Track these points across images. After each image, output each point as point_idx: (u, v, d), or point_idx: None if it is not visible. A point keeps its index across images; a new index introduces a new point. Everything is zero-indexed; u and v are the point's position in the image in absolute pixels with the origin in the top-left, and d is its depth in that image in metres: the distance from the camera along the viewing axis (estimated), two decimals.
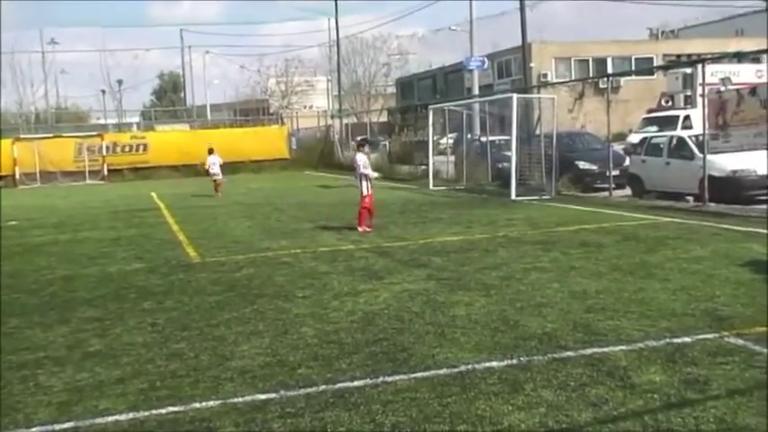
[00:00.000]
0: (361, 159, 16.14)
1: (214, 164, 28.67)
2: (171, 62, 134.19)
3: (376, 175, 16.74)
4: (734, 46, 47.43)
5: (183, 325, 8.40)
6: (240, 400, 5.95)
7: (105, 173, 41.36)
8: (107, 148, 42.16)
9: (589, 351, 6.74)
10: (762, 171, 18.29)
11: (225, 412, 5.72)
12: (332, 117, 49.13)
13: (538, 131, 23.91)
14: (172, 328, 8.31)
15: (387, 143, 39.68)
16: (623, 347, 6.80)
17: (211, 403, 5.91)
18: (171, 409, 5.84)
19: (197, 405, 5.89)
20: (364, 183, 15.80)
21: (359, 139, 19.80)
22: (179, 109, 78.16)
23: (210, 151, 29.41)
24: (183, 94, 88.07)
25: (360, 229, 15.39)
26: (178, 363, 7.00)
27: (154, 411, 5.81)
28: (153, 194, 29.22)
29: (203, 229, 17.42)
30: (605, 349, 6.77)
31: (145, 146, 42.49)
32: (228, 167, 41.50)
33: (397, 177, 31.13)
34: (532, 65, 45.25)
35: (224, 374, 6.58)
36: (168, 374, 6.67)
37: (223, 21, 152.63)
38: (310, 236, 15.34)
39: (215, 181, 28.23)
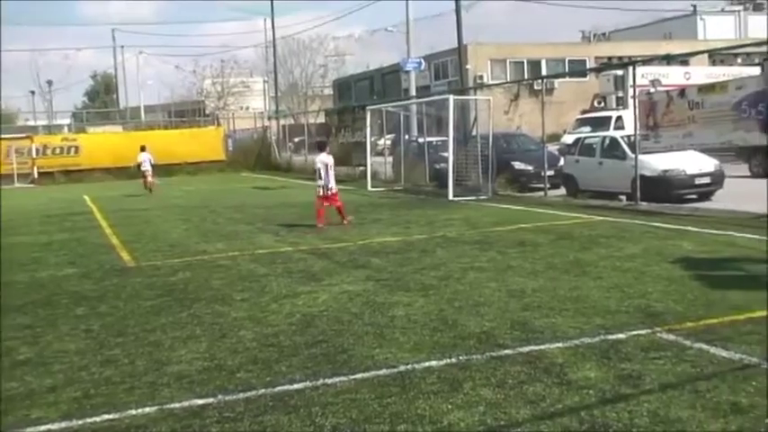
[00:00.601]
0: (323, 159, 16.81)
1: (145, 161, 29.75)
2: (103, 62, 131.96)
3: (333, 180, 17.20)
4: (663, 49, 48.45)
5: (117, 331, 8.26)
6: (177, 405, 5.88)
7: (35, 176, 40.47)
8: (37, 150, 41.24)
9: (526, 349, 6.82)
10: (691, 170, 18.77)
11: (162, 418, 5.64)
12: (269, 118, 48.80)
13: (474, 132, 24.12)
14: (106, 334, 8.16)
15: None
16: (559, 345, 6.89)
17: (148, 410, 5.82)
18: (106, 416, 5.74)
19: (133, 412, 5.80)
20: (327, 181, 16.61)
21: (318, 140, 20.98)
22: (112, 110, 77.04)
23: (142, 148, 30.48)
24: (116, 96, 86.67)
25: (319, 225, 16.09)
26: (113, 369, 6.88)
27: (88, 420, 5.70)
28: (86, 198, 28.69)
29: (138, 232, 17.16)
30: (542, 347, 6.85)
31: (77, 148, 41.71)
32: (164, 170, 41.18)
33: (335, 179, 31.04)
34: (468, 66, 45.71)
35: (160, 380, 6.49)
36: (103, 381, 6.55)
37: (157, 20, 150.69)
38: (248, 238, 15.24)
39: (145, 177, 29.30)
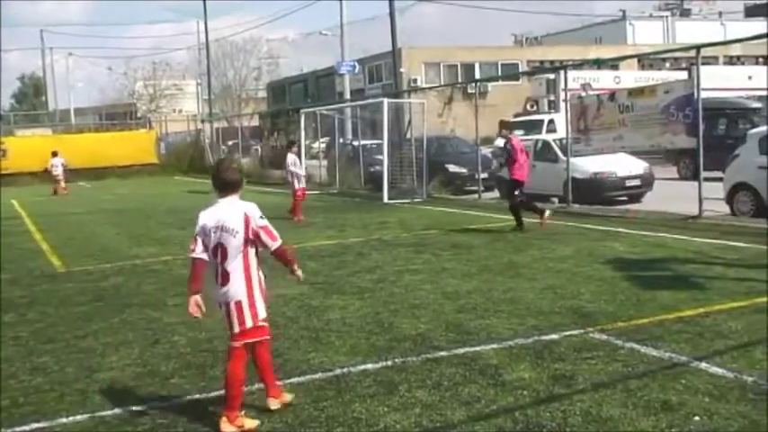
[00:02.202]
0: (291, 158, 18.74)
1: (56, 165, 31.42)
2: (32, 64, 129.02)
3: (303, 173, 19.38)
4: (594, 53, 49.39)
5: (47, 337, 8.08)
6: (109, 413, 5.78)
7: None
8: None
9: (462, 350, 6.87)
10: (621, 173, 19.13)
11: (93, 426, 5.54)
12: (202, 121, 48.28)
13: (409, 135, 24.23)
14: (35, 341, 7.97)
15: (258, 148, 39.36)
16: (494, 346, 6.96)
17: (79, 417, 5.71)
18: (35, 425, 5.61)
19: (63, 420, 5.68)
20: (296, 179, 18.35)
21: (287, 141, 23.09)
22: (41, 113, 75.33)
23: (54, 154, 31.98)
24: (44, 98, 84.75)
25: (296, 219, 17.46)
26: (42, 377, 6.73)
27: (17, 428, 5.57)
28: (14, 202, 27.98)
29: (68, 237, 16.82)
30: (477, 348, 6.91)
31: (4, 152, 40.59)
32: (95, 173, 40.57)
33: (269, 182, 30.92)
34: (403, 70, 45.80)
35: (92, 387, 6.37)
36: (32, 389, 6.40)
37: (87, 21, 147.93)
38: (181, 242, 15.02)
39: (58, 182, 30.78)
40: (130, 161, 42.34)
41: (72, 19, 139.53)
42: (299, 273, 5.82)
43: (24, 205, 26.23)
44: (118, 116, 67.99)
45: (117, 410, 5.81)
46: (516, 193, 14.57)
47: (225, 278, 5.36)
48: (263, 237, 5.50)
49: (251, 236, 5.40)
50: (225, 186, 5.47)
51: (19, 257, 14.09)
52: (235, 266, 5.36)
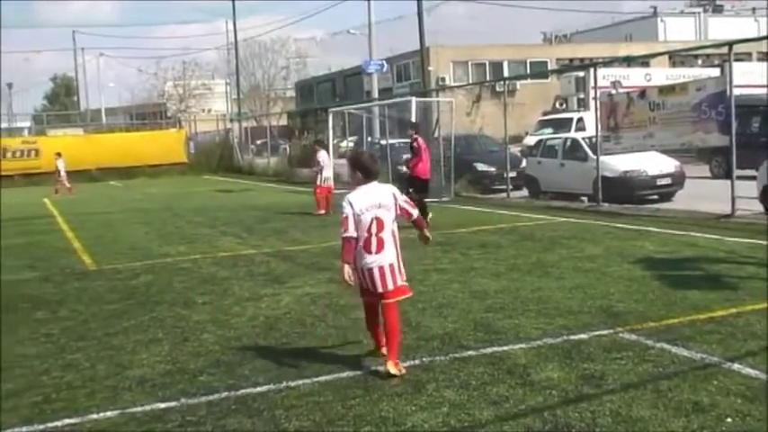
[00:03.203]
0: (322, 156, 20.07)
1: (62, 168, 32.48)
2: (64, 65, 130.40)
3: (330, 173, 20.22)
4: (624, 50, 49.04)
5: (78, 335, 8.16)
6: (139, 409, 5.82)
7: None
8: None
9: (489, 350, 6.84)
10: (652, 171, 18.97)
11: (123, 423, 5.58)
12: (231, 121, 48.54)
13: (436, 134, 24.16)
14: (67, 338, 8.05)
15: (287, 147, 39.49)
16: (522, 345, 6.93)
17: (109, 414, 5.76)
18: (67, 421, 5.67)
19: (94, 416, 5.73)
20: (319, 176, 19.57)
21: (315, 139, 24.55)
22: (72, 113, 76.13)
23: (58, 155, 33.12)
24: (76, 98, 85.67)
25: (320, 212, 18.62)
26: (74, 373, 6.79)
27: (49, 424, 5.62)
28: (46, 201, 28.32)
29: (99, 235, 16.97)
30: (505, 348, 6.88)
31: (37, 151, 41.09)
32: (125, 172, 40.93)
33: (297, 181, 31.00)
34: (431, 68, 45.85)
35: (122, 384, 6.42)
36: (64, 386, 6.47)
37: (118, 22, 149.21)
38: (210, 241, 15.14)
39: (61, 182, 31.70)
40: (160, 160, 42.67)
41: (103, 20, 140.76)
42: (429, 234, 6.99)
43: (56, 204, 26.51)
44: (148, 116, 68.63)
45: (147, 407, 5.85)
46: (410, 190, 14.88)
47: (380, 246, 6.35)
48: (409, 209, 6.65)
49: (398, 210, 6.48)
50: (370, 173, 6.53)
51: (51, 255, 14.25)
52: (387, 236, 6.39)
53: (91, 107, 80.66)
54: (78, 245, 15.48)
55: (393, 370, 6.15)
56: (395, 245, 6.43)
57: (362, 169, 6.54)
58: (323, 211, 18.71)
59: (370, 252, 6.32)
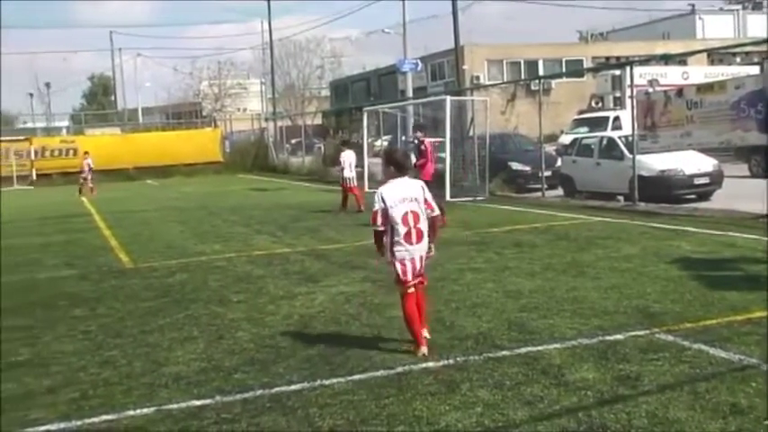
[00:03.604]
0: (344, 156, 20.36)
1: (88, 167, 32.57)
2: (101, 64, 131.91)
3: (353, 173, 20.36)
4: (661, 48, 48.51)
5: (115, 332, 8.25)
6: (175, 406, 5.87)
7: (34, 177, 40.49)
8: (36, 152, 41.29)
9: (524, 350, 6.81)
10: (689, 170, 18.76)
11: (160, 419, 5.63)
12: (266, 120, 48.76)
13: (471, 133, 24.10)
14: (104, 335, 8.15)
15: (321, 146, 39.58)
16: (557, 346, 6.89)
17: (146, 410, 5.82)
18: (104, 417, 5.74)
19: (131, 413, 5.79)
20: (343, 174, 20.01)
21: (341, 140, 24.85)
22: (110, 112, 76.94)
23: (87, 154, 33.56)
24: (113, 98, 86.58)
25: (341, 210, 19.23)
26: (111, 370, 6.87)
27: (87, 420, 5.70)
28: (84, 199, 28.67)
29: (135, 233, 17.15)
30: (540, 348, 6.85)
31: (75, 150, 41.63)
32: (161, 171, 41.31)
33: (332, 180, 31.04)
34: (465, 67, 45.62)
35: (158, 381, 6.48)
36: (101, 382, 6.55)
37: (153, 22, 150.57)
38: (245, 240, 15.23)
39: (86, 182, 31.81)
40: (196, 159, 43.03)
41: (140, 20, 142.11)
42: (433, 251, 7.10)
43: (93, 202, 26.82)
44: (184, 115, 69.22)
45: (182, 404, 5.90)
46: None
47: (419, 236, 6.80)
48: (433, 204, 6.99)
49: (424, 203, 6.86)
50: (402, 168, 6.99)
51: (89, 253, 14.42)
52: (423, 226, 6.82)
53: (128, 106, 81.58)
54: (115, 243, 15.65)
55: (427, 333, 7.03)
56: (427, 235, 6.88)
57: (395, 164, 6.97)
58: (358, 208, 18.93)
59: (411, 243, 6.76)
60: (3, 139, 42.54)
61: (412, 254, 6.77)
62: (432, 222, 6.95)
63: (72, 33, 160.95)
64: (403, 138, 30.13)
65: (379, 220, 6.76)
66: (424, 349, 6.75)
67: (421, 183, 7.08)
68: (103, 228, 18.66)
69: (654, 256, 11.11)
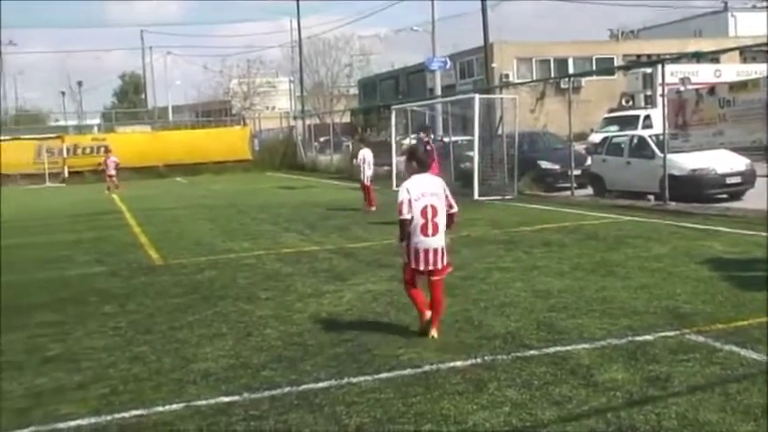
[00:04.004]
0: (361, 154, 20.40)
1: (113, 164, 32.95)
2: (132, 63, 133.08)
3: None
4: (692, 46, 48.01)
5: (145, 328, 8.32)
6: (204, 402, 5.90)
7: (66, 175, 40.91)
8: (67, 149, 41.71)
9: (552, 350, 6.78)
10: (721, 170, 18.57)
11: (188, 415, 5.67)
12: (294, 118, 48.93)
13: (500, 131, 24.02)
14: (134, 331, 8.22)
15: (350, 144, 39.62)
16: (586, 346, 6.85)
17: (174, 406, 5.86)
18: (133, 412, 5.78)
19: (160, 409, 5.83)
20: (361, 173, 20.18)
21: (360, 137, 25.04)
22: (140, 110, 77.55)
23: (109, 151, 34.41)
24: (144, 96, 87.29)
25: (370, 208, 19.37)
26: (140, 366, 6.93)
27: (116, 415, 5.74)
28: (114, 197, 28.93)
29: (165, 231, 17.27)
30: (568, 348, 6.81)
31: (106, 147, 41.98)
32: (190, 169, 41.58)
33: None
34: (494, 65, 45.46)
35: (187, 377, 6.52)
36: (130, 378, 6.60)
37: (183, 21, 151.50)
38: (273, 237, 15.28)
39: (112, 179, 32.16)
40: (225, 157, 43.26)
41: (170, 19, 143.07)
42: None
43: (124, 199, 27.05)
44: (213, 113, 69.57)
45: (211, 401, 5.93)
46: None
47: (435, 229, 7.22)
48: (452, 201, 7.38)
49: (445, 200, 7.29)
50: (423, 164, 7.52)
51: (119, 250, 14.55)
52: (440, 221, 7.25)
53: (158, 105, 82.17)
54: (145, 240, 15.78)
55: (436, 334, 7.26)
56: (443, 230, 7.28)
57: (418, 160, 7.52)
58: (370, 208, 19.50)
59: (426, 235, 7.19)
60: (36, 137, 43.01)
61: (425, 245, 7.19)
62: (449, 218, 7.32)
63: (104, 33, 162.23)
64: (431, 136, 30.10)
65: (405, 209, 7.16)
66: (428, 314, 7.33)
67: (441, 180, 7.49)
68: (133, 225, 18.82)
69: (685, 256, 11.01)
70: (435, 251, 7.23)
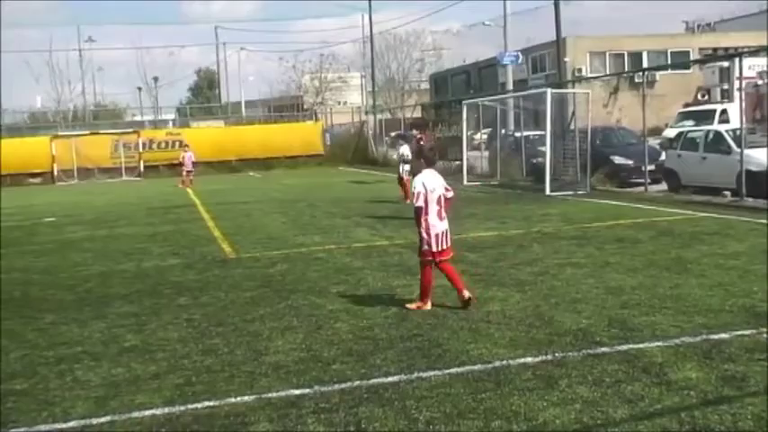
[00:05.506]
0: (401, 150, 20.75)
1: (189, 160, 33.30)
2: (206, 59, 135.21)
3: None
4: None
5: (218, 320, 8.47)
6: (275, 395, 5.99)
7: (142, 169, 41.80)
8: (143, 144, 42.59)
9: (624, 347, 6.70)
10: None
11: (260, 407, 5.76)
12: (366, 113, 49.11)
13: (572, 126, 23.75)
14: (207, 323, 8.37)
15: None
16: (659, 344, 6.74)
17: (246, 398, 5.96)
18: (206, 403, 5.90)
19: (232, 400, 5.94)
20: (401, 168, 20.60)
21: (397, 134, 24.81)
22: (214, 106, 78.69)
23: (186, 146, 34.92)
24: (218, 91, 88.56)
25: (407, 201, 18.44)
26: (213, 358, 7.06)
27: (189, 406, 5.87)
28: (189, 191, 29.46)
29: (238, 224, 17.53)
30: (641, 345, 6.72)
31: (181, 142, 42.76)
32: (263, 164, 42.08)
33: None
34: (567, 59, 44.97)
35: (259, 369, 6.63)
36: (204, 369, 6.73)
37: (257, 17, 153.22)
38: (344, 232, 15.38)
39: (189, 175, 32.61)
40: (297, 152, 43.65)
41: (244, 16, 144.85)
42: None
43: (198, 194, 27.53)
44: (285, 108, 70.16)
45: (282, 393, 6.02)
46: None
47: (441, 216, 8.49)
48: (449, 188, 8.73)
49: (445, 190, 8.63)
50: (430, 162, 8.78)
51: (193, 243, 14.81)
52: (444, 208, 8.56)
53: (231, 100, 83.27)
54: (219, 233, 16.03)
55: (468, 294, 8.39)
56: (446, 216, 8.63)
57: (425, 158, 8.90)
58: (407, 201, 19.11)
59: (441, 219, 8.50)
60: (113, 132, 44.07)
61: (438, 228, 8.43)
62: (447, 201, 8.60)
63: (180, 30, 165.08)
64: (503, 131, 29.94)
65: (420, 200, 8.38)
66: (429, 305, 8.45)
67: (439, 175, 8.73)
68: (207, 219, 19.14)
69: (762, 253, 10.73)
70: (444, 233, 8.49)
